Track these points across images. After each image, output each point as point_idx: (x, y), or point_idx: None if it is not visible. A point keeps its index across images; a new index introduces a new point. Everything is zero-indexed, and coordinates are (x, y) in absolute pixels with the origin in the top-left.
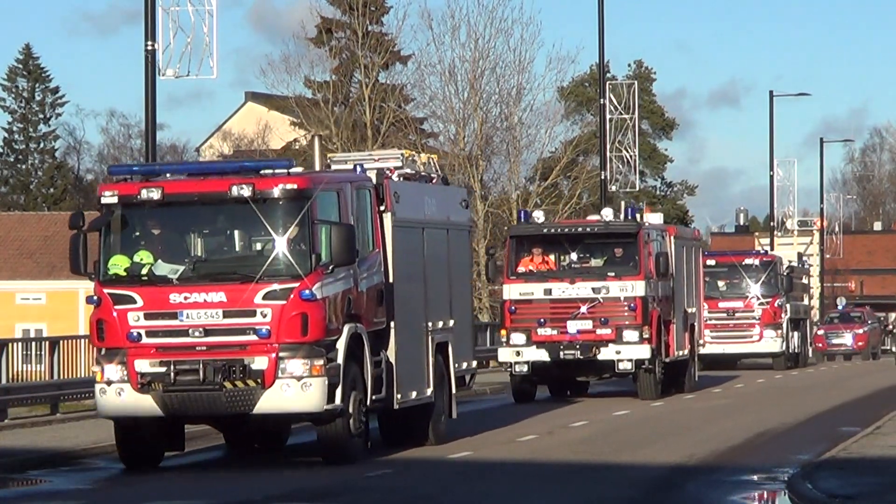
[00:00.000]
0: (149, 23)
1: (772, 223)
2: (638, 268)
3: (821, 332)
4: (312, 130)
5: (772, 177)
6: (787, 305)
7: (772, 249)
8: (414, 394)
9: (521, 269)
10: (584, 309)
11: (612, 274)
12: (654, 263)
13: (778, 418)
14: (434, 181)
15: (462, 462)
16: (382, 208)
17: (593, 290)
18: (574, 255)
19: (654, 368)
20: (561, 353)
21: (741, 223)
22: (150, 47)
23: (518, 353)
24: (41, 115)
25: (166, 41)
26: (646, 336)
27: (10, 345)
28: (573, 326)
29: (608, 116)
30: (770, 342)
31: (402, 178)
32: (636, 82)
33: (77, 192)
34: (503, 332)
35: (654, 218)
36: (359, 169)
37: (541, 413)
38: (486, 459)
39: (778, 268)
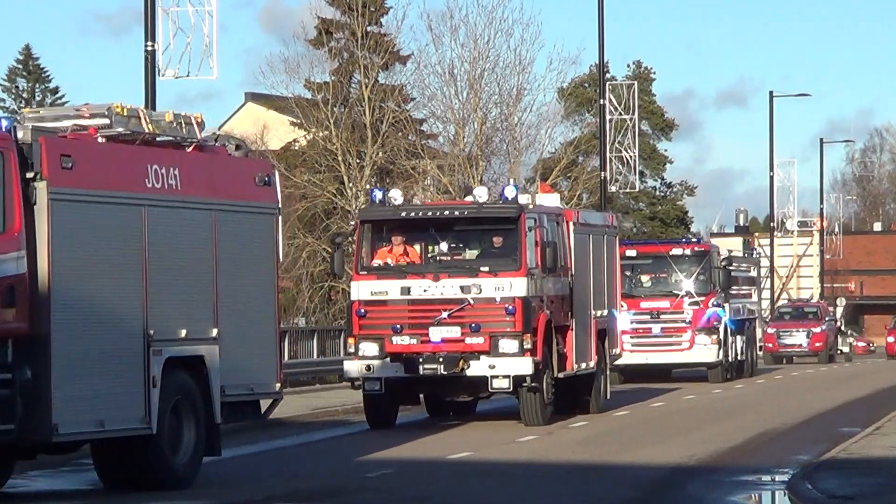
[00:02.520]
0: (149, 23)
1: (771, 223)
2: (518, 261)
3: (771, 330)
4: (312, 131)
5: (772, 177)
6: (726, 305)
7: (772, 250)
8: (111, 424)
9: (377, 261)
10: (445, 315)
11: (486, 269)
12: (541, 255)
13: (778, 419)
14: (192, 147)
15: (462, 462)
16: (32, 175)
17: (461, 288)
18: (445, 246)
19: (539, 387)
20: (420, 367)
21: (741, 224)
22: (149, 48)
23: (369, 368)
24: None
25: (166, 41)
26: (527, 346)
27: None
28: (436, 334)
29: (608, 117)
30: (703, 350)
31: (106, 139)
32: (636, 83)
33: None
34: (351, 340)
35: (548, 199)
36: (3, 123)
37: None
38: (485, 460)
39: (714, 259)
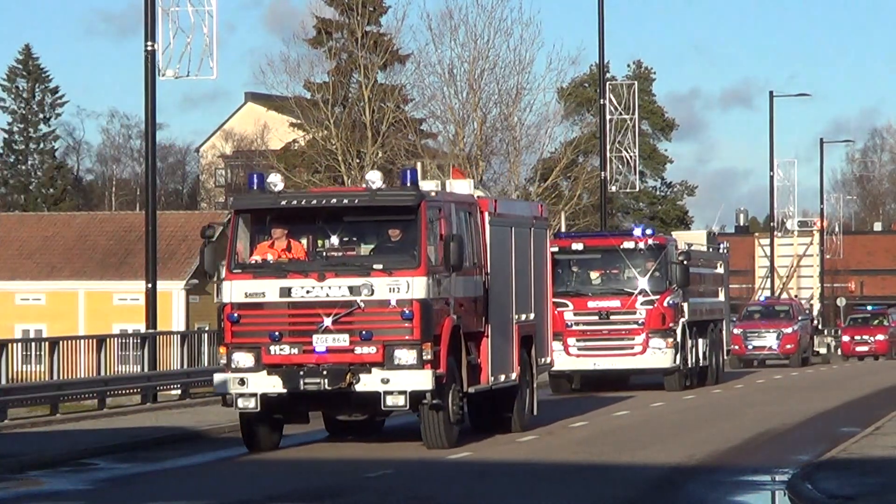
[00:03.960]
0: (149, 23)
1: (772, 223)
2: (417, 257)
3: (737, 331)
4: (312, 131)
5: (772, 177)
6: (685, 304)
7: (772, 250)
8: None
9: (256, 258)
10: (328, 322)
11: (380, 266)
12: (444, 251)
13: (778, 418)
14: None
15: (462, 462)
16: None
17: (350, 289)
18: (335, 240)
19: (444, 404)
20: (301, 381)
21: (741, 223)
22: (149, 48)
23: (242, 382)
24: (41, 116)
25: (166, 41)
26: (427, 357)
27: (9, 345)
28: (321, 343)
29: (608, 117)
30: (658, 354)
31: None
32: (636, 83)
33: (77, 193)
34: (222, 350)
35: (459, 185)
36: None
37: (540, 413)
38: (485, 459)
39: (671, 253)
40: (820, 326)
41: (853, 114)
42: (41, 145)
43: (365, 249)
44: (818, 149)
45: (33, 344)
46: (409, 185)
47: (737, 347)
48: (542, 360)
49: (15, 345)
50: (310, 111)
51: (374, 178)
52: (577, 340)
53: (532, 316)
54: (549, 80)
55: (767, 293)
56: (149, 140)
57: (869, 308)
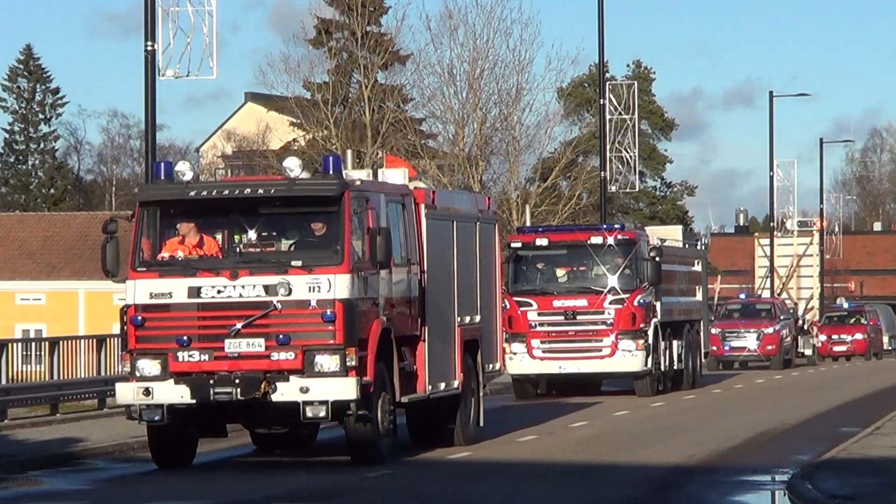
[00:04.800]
0: (148, 23)
1: (771, 223)
2: (340, 253)
3: (715, 331)
4: (312, 131)
5: (771, 177)
6: (657, 304)
7: (772, 250)
8: None
9: (165, 255)
10: (239, 326)
11: (299, 263)
12: (370, 245)
13: (778, 418)
14: None
15: (462, 462)
16: None
17: (266, 288)
18: (253, 235)
19: (372, 416)
20: (211, 391)
21: (741, 223)
22: (149, 48)
23: (147, 393)
24: (41, 116)
25: (166, 41)
26: (352, 363)
27: (9, 345)
28: (233, 348)
29: (608, 117)
30: (627, 357)
31: None
32: (636, 83)
33: (77, 193)
34: (125, 357)
35: (393, 174)
36: None
37: (540, 413)
38: (485, 460)
39: (643, 249)
40: (806, 326)
41: (856, 114)
42: (41, 145)
43: (286, 245)
44: (818, 149)
45: (33, 344)
46: (331, 173)
47: (715, 348)
48: (491, 366)
49: (15, 345)
50: (310, 111)
51: (293, 166)
52: (542, 342)
53: (478, 318)
54: (549, 80)
55: (767, 293)
56: (148, 140)
57: (845, 305)
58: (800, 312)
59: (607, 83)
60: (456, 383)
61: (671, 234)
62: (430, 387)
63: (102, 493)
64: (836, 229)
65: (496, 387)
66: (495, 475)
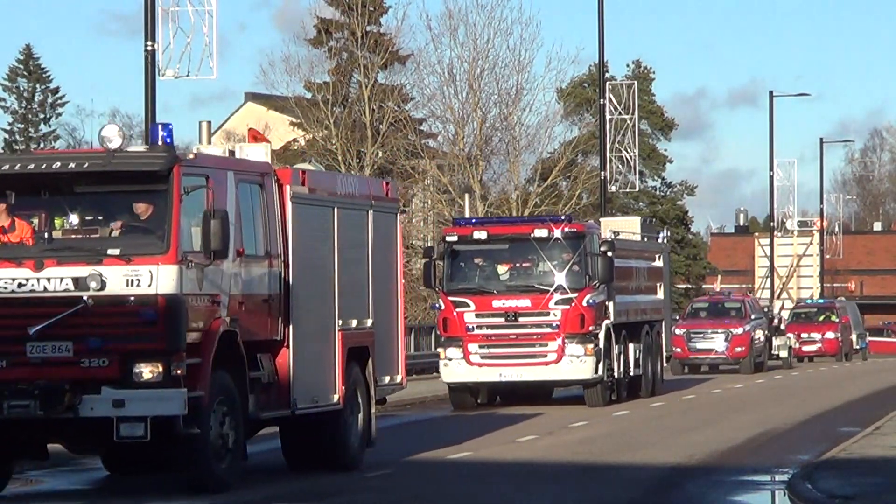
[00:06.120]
0: (148, 23)
1: (771, 223)
2: (166, 240)
3: (679, 331)
4: (312, 130)
5: (772, 177)
6: (609, 304)
7: (772, 250)
8: None
9: None
10: (37, 328)
11: (116, 252)
12: (203, 230)
13: (778, 418)
14: None
15: (462, 462)
16: None
17: (75, 281)
18: (75, 219)
19: (204, 434)
20: (6, 404)
21: (741, 223)
22: (149, 48)
23: None
24: (42, 116)
25: (166, 41)
26: (178, 372)
27: None
28: (36, 352)
29: (608, 117)
30: (575, 363)
31: None
32: (636, 82)
33: None
34: None
35: (254, 151)
36: None
37: (540, 413)
38: (485, 460)
39: (593, 244)
40: (782, 326)
41: (859, 115)
42: (42, 145)
43: (108, 231)
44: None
45: None
46: (158, 144)
47: (679, 350)
48: (387, 378)
49: None
50: (310, 111)
51: (111, 135)
52: (480, 347)
53: (369, 323)
54: (549, 79)
55: (767, 293)
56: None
57: (813, 301)
58: (775, 311)
59: (607, 83)
60: (336, 397)
61: (628, 227)
62: (297, 401)
63: (102, 493)
64: (836, 229)
65: (438, 395)
66: (495, 475)
